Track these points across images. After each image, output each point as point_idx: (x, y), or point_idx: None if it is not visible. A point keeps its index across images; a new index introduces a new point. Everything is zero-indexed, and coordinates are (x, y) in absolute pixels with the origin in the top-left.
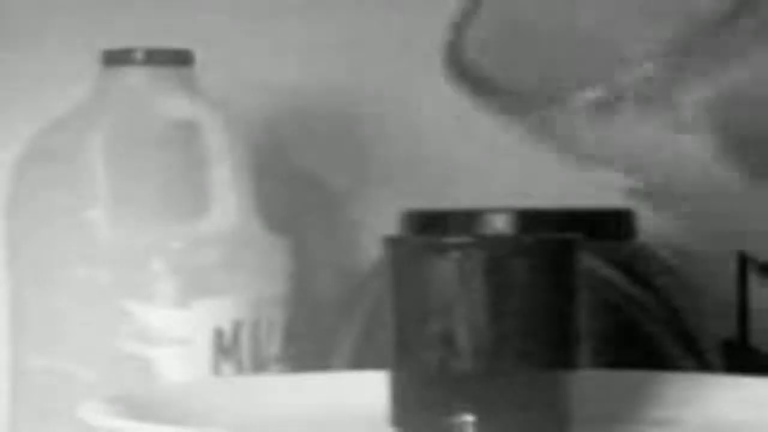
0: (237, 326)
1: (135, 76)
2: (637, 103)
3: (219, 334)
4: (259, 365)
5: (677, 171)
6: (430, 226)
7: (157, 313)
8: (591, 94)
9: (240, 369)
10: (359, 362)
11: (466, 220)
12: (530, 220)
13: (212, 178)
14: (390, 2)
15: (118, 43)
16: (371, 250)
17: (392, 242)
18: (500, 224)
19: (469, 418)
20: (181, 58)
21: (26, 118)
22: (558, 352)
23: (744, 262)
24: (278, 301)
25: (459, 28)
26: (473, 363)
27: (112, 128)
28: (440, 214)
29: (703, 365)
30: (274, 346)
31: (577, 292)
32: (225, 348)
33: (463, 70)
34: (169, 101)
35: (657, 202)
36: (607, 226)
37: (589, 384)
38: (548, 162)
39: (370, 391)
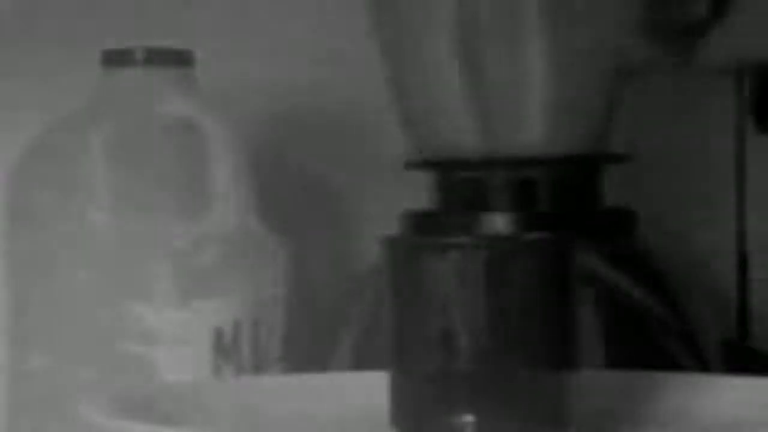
0: (237, 326)
1: (135, 76)
2: None
3: (219, 334)
4: (259, 365)
5: None
6: (430, 226)
7: (157, 313)
8: None
9: (240, 369)
10: (359, 362)
11: (466, 220)
12: (530, 220)
13: (212, 178)
14: None
15: (118, 43)
16: (371, 251)
17: (391, 242)
18: (500, 224)
19: (469, 418)
20: (181, 58)
21: (26, 119)
22: (558, 351)
23: (744, 262)
24: (278, 302)
25: None
26: (473, 363)
27: (112, 128)
28: (440, 214)
29: (703, 365)
30: (274, 347)
31: (577, 291)
32: (225, 348)
33: None
34: (169, 101)
35: None
36: (607, 226)
37: (589, 384)
38: None
39: (370, 391)
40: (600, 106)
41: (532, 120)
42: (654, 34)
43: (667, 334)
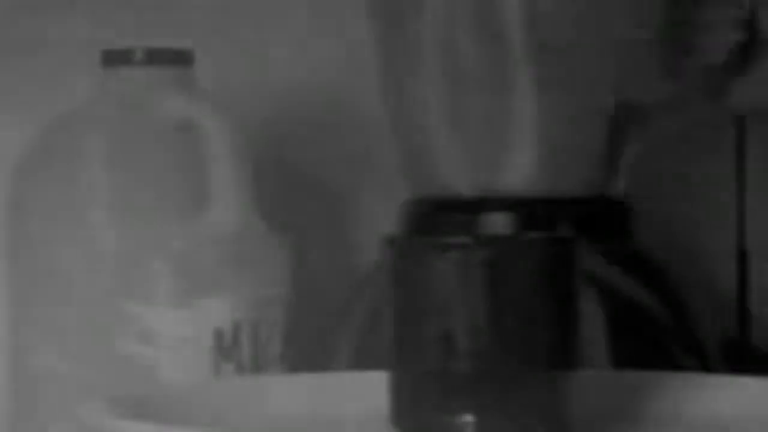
0: (237, 326)
1: (135, 76)
2: None
3: (219, 334)
4: (260, 365)
5: None
6: (430, 226)
7: (157, 313)
8: None
9: (240, 369)
10: (359, 362)
11: (466, 220)
12: (530, 220)
13: (212, 177)
14: None
15: (118, 43)
16: (371, 250)
17: (392, 242)
18: (500, 224)
19: (469, 418)
20: (181, 58)
21: (26, 118)
22: (557, 351)
23: (744, 261)
24: (278, 301)
25: None
26: (473, 363)
27: (112, 128)
28: (440, 214)
29: (703, 365)
30: (274, 346)
31: (577, 291)
32: (225, 348)
33: None
34: (169, 101)
35: None
36: (607, 226)
37: (589, 384)
38: None
39: (370, 391)
40: (594, 146)
41: (523, 162)
42: (670, 76)
43: (667, 333)
